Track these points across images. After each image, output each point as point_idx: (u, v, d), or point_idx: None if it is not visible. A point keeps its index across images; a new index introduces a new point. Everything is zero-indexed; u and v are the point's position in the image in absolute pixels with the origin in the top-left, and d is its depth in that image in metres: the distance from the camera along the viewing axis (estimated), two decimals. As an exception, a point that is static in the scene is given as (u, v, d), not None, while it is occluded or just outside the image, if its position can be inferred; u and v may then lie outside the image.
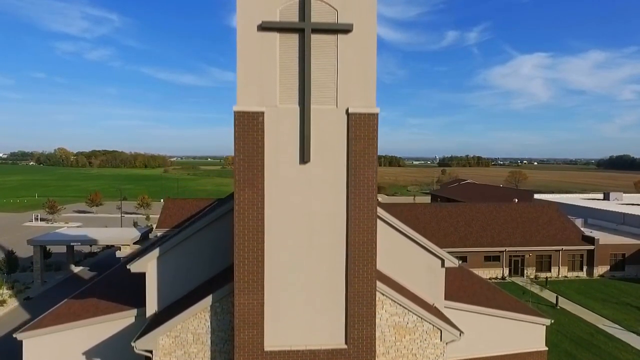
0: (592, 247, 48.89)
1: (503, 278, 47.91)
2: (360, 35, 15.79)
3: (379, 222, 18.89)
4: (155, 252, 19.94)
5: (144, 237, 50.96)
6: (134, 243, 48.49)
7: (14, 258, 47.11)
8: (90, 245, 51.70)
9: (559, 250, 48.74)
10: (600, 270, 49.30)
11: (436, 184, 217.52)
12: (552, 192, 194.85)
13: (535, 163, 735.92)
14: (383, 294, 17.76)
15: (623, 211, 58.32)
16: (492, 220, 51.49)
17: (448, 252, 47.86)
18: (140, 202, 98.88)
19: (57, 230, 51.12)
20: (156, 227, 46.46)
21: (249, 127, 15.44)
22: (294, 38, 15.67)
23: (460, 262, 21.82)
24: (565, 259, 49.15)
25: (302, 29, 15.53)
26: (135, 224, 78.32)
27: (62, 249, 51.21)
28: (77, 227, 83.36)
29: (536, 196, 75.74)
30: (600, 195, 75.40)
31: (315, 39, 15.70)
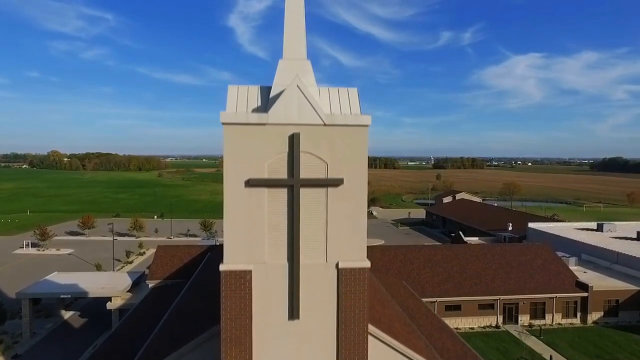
0: (585, 295, 48.84)
1: (497, 326, 47.74)
2: (351, 188, 15.39)
3: (373, 340, 18.45)
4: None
5: (137, 283, 50.34)
6: (127, 291, 47.92)
7: (3, 310, 46.36)
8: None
9: (553, 298, 48.66)
10: (594, 316, 49.26)
11: (431, 192, 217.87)
12: (547, 202, 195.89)
13: (530, 164, 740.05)
14: None
15: (617, 249, 58.30)
16: (486, 264, 51.26)
17: (443, 301, 47.62)
18: (133, 224, 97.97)
19: (47, 277, 50.23)
20: (148, 279, 45.81)
21: (237, 286, 15.00)
22: (283, 192, 15.24)
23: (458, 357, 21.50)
24: (559, 306, 49.06)
25: (291, 185, 15.12)
26: (127, 255, 77.66)
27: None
28: (69, 254, 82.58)
29: (530, 225, 75.61)
30: (594, 225, 75.42)
31: (305, 192, 15.27)
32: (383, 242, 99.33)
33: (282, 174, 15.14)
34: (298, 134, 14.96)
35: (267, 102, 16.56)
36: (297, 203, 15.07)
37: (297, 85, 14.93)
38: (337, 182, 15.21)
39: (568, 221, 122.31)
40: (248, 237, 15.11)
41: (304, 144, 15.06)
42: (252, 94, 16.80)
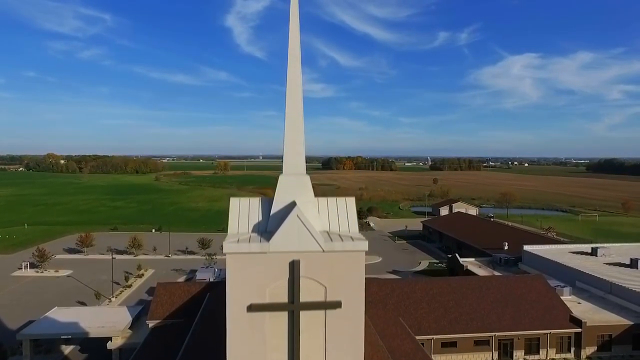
0: (579, 330, 49.66)
1: (492, 363, 48.53)
2: (349, 309, 15.94)
3: None
4: None
5: (136, 318, 50.75)
6: (128, 328, 48.37)
7: (3, 350, 46.80)
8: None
9: (547, 334, 49.44)
10: (587, 351, 50.07)
11: (428, 199, 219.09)
12: (543, 209, 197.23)
13: (527, 164, 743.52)
14: None
15: (610, 279, 59.13)
16: (481, 298, 51.98)
17: (439, 339, 48.16)
18: (131, 242, 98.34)
19: (47, 314, 50.62)
20: (148, 318, 46.28)
21: (239, 407, 15.55)
22: (283, 315, 15.79)
23: None
24: (554, 341, 49.85)
25: (291, 310, 15.68)
26: (126, 279, 78.06)
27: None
28: (67, 276, 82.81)
29: (525, 247, 76.40)
30: (588, 248, 76.23)
31: (304, 315, 15.83)
32: (380, 259, 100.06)
33: (283, 298, 15.70)
34: (298, 261, 15.52)
35: (268, 215, 17.15)
36: (297, 326, 15.64)
37: (297, 215, 15.48)
38: (335, 305, 15.78)
39: (563, 234, 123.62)
40: (250, 359, 15.66)
41: (303, 269, 15.62)
42: (253, 207, 17.39)
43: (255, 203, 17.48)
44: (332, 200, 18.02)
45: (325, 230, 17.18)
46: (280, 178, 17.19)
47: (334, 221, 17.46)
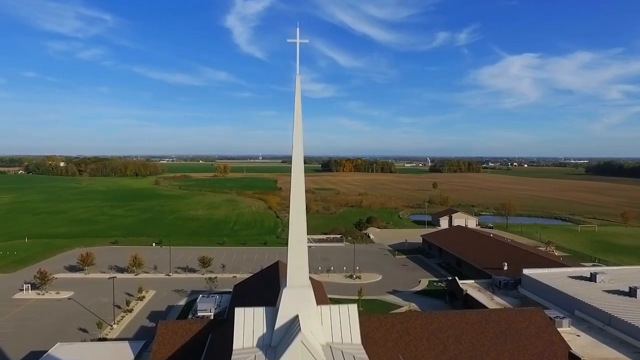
0: (578, 367, 50.00)
1: (492, 401, 48.81)
2: None
3: None
4: None
5: (139, 354, 51.09)
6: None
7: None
8: None
9: (547, 372, 49.78)
10: (586, 387, 50.42)
11: (428, 206, 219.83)
12: (542, 217, 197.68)
13: (526, 165, 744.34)
14: None
15: (609, 310, 59.46)
16: (481, 333, 52.25)
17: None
18: (132, 261, 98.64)
19: (50, 352, 50.78)
20: (151, 359, 46.60)
21: None
22: None
23: None
24: (553, 379, 50.20)
25: None
26: (127, 303, 78.25)
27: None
28: (68, 298, 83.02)
29: (525, 271, 76.70)
30: (587, 272, 76.50)
31: None
32: (380, 277, 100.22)
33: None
34: (302, 386, 15.79)
35: (272, 327, 17.43)
36: None
37: (302, 342, 15.75)
38: None
39: (562, 247, 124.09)
40: None
41: (308, 393, 15.90)
42: (257, 319, 17.65)
43: (259, 314, 17.74)
44: (334, 308, 18.30)
45: (329, 343, 17.46)
46: (284, 291, 17.46)
47: (336, 331, 17.73)
